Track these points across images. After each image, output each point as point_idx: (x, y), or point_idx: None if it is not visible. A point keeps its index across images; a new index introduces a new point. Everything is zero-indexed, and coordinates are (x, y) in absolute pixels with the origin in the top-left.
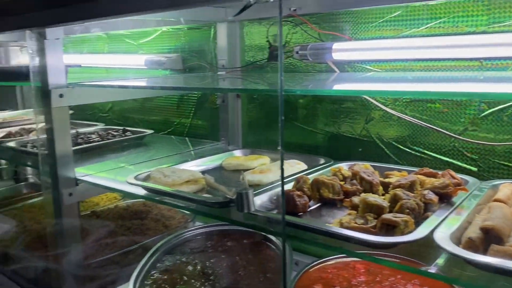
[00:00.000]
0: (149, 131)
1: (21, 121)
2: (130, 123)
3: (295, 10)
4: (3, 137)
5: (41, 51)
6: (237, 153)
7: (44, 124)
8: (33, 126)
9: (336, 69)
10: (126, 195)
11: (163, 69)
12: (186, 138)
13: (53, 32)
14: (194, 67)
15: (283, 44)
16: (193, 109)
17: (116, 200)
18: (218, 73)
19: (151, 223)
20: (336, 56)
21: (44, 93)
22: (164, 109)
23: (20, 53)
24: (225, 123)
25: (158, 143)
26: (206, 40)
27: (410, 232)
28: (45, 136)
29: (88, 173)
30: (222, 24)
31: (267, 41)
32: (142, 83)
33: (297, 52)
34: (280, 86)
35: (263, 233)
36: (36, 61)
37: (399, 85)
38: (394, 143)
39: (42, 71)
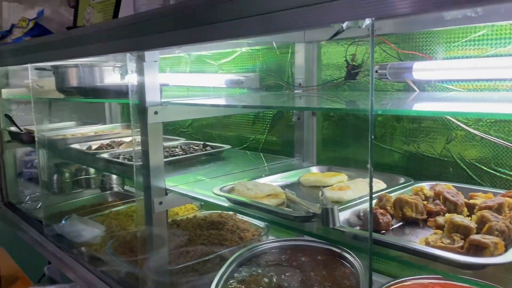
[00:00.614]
0: (227, 146)
1: (111, 134)
2: (207, 138)
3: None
4: (96, 149)
5: (140, 72)
6: (314, 169)
7: (140, 137)
8: (123, 139)
9: (416, 88)
10: (212, 205)
11: (241, 87)
12: (261, 154)
13: (151, 55)
14: (271, 85)
15: (360, 63)
16: (268, 125)
17: (194, 210)
18: (295, 91)
19: (227, 234)
20: (416, 75)
21: (141, 110)
22: (240, 126)
23: (113, 73)
24: (299, 139)
25: (235, 157)
26: (284, 59)
27: (500, 254)
28: (140, 148)
29: (174, 184)
30: (300, 44)
31: (345, 60)
32: (227, 101)
33: (376, 71)
34: (371, 107)
35: (337, 250)
36: (135, 81)
37: (490, 106)
38: (477, 164)
39: (140, 90)
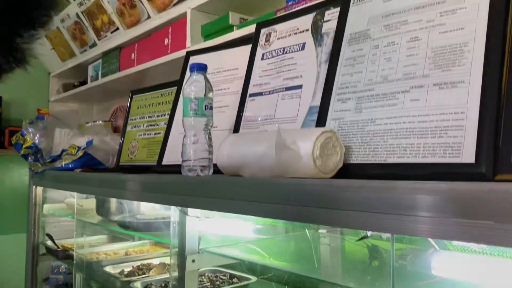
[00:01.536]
0: (253, 279)
1: (141, 256)
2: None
3: None
4: (129, 274)
5: (182, 224)
6: None
7: (175, 278)
8: (153, 261)
9: (436, 246)
10: None
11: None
12: None
13: (194, 211)
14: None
15: None
16: (294, 253)
17: None
18: (319, 230)
19: None
20: None
21: (180, 257)
22: (266, 253)
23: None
24: None
25: None
26: None
27: None
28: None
29: None
30: None
31: None
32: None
33: None
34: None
35: None
36: (176, 230)
37: None
38: None
39: (181, 238)
